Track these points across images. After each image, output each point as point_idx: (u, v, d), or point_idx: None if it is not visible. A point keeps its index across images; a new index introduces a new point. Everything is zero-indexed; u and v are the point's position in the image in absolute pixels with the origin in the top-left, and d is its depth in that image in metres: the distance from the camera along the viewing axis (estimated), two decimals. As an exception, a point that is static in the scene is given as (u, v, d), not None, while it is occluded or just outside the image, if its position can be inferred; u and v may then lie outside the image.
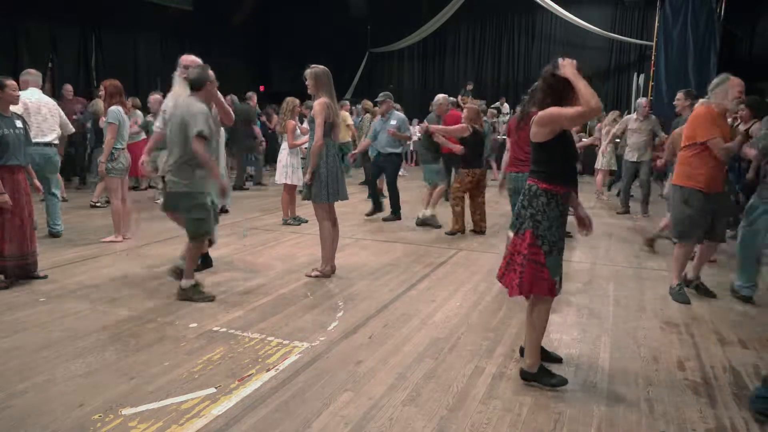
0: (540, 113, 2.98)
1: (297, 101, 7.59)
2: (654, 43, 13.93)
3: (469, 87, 16.26)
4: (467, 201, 7.03)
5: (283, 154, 7.32)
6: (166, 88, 12.81)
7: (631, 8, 16.39)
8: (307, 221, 7.40)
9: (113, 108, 6.01)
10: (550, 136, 2.97)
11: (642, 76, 14.68)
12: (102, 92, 6.32)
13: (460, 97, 13.71)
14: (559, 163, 3.03)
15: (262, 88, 19.78)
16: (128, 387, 2.99)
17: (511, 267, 3.08)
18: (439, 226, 7.33)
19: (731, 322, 4.19)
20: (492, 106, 13.93)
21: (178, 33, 16.38)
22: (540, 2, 15.86)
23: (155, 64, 16.04)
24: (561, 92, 2.95)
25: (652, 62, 13.86)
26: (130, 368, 3.21)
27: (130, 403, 2.84)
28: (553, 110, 2.93)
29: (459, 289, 4.82)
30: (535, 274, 2.98)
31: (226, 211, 8.14)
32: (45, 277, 4.76)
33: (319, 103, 4.72)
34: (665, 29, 13.51)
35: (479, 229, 7.05)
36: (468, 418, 2.77)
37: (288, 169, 7.29)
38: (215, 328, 3.82)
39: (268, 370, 3.22)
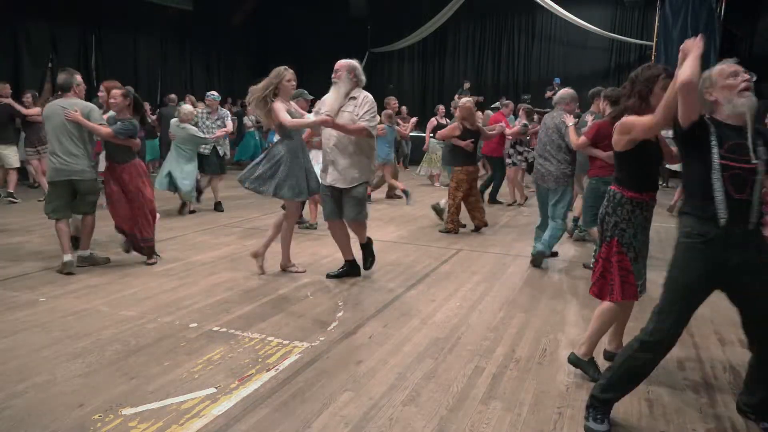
0: (619, 121, 2.96)
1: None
2: (654, 43, 13.93)
3: (467, 86, 16.26)
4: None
5: None
6: (164, 91, 12.70)
7: (631, 8, 16.39)
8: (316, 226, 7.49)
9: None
10: (630, 146, 2.94)
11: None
12: (102, 93, 6.33)
13: (457, 96, 13.72)
14: (643, 170, 3.03)
15: (262, 88, 19.76)
16: (128, 387, 2.99)
17: (603, 275, 3.09)
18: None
19: (731, 322, 4.18)
20: (492, 106, 13.94)
21: (178, 33, 16.38)
22: (540, 2, 15.85)
23: (155, 64, 16.04)
24: (641, 92, 2.94)
25: (652, 62, 13.85)
26: (130, 368, 3.21)
27: (130, 403, 2.84)
28: (629, 119, 2.91)
29: (459, 289, 4.82)
30: (624, 280, 3.02)
31: (221, 210, 8.21)
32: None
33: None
34: (665, 29, 13.52)
35: (479, 225, 7.13)
36: (468, 418, 2.77)
37: None
38: (215, 328, 3.82)
39: (268, 370, 3.22)
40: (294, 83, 4.85)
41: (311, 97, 6.28)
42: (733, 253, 2.44)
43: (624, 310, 3.24)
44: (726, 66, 2.55)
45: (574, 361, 3.24)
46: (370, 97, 4.68)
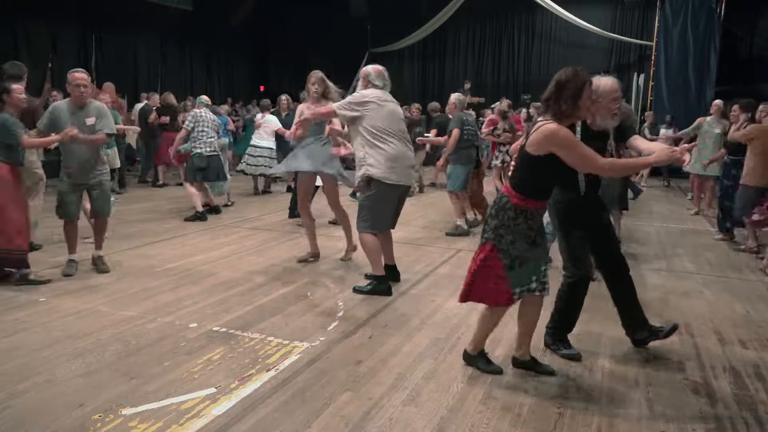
0: (555, 129, 2.82)
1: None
2: (654, 43, 13.93)
3: (467, 86, 16.27)
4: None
5: None
6: (164, 91, 12.74)
7: (631, 8, 16.40)
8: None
9: None
10: (542, 153, 2.89)
11: (642, 76, 14.68)
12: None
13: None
14: (542, 182, 2.99)
15: (262, 88, 19.82)
16: (128, 387, 2.99)
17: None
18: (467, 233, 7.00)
19: (731, 322, 4.19)
20: (491, 106, 13.93)
21: (178, 33, 16.39)
22: (540, 2, 15.86)
23: (155, 64, 16.05)
24: (573, 98, 2.85)
25: (652, 62, 13.85)
26: (130, 368, 3.21)
27: (130, 403, 2.84)
28: (571, 138, 2.83)
29: (459, 289, 4.80)
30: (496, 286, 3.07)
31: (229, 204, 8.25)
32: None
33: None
34: (665, 29, 13.52)
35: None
36: (468, 418, 2.77)
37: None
38: (215, 328, 3.82)
39: (268, 370, 3.22)
40: (316, 86, 5.13)
41: None
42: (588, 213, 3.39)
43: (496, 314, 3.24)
44: (612, 86, 3.25)
45: (465, 357, 3.33)
46: (357, 93, 4.63)
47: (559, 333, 3.54)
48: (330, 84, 5.20)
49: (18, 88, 4.71)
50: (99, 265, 5.08)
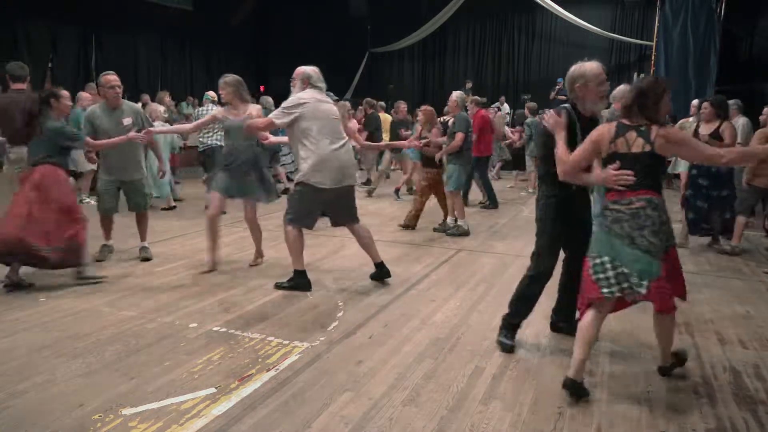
0: (673, 131, 2.99)
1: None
2: (654, 43, 13.94)
3: (469, 85, 16.26)
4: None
5: None
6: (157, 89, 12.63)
7: (631, 8, 16.41)
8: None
9: None
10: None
11: (642, 76, 14.65)
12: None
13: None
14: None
15: (262, 88, 19.82)
16: (128, 387, 3.00)
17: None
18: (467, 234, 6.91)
19: (731, 322, 4.19)
20: (492, 105, 13.93)
21: (178, 33, 16.39)
22: (540, 2, 15.87)
23: (155, 64, 16.05)
24: (656, 104, 2.99)
25: (652, 62, 13.86)
26: (130, 368, 3.21)
27: (130, 403, 2.84)
28: (686, 135, 3.08)
29: (459, 289, 4.82)
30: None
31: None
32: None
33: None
34: (665, 29, 13.53)
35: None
36: (468, 418, 2.77)
37: None
38: (215, 328, 3.82)
39: (268, 370, 3.22)
40: (224, 92, 5.06)
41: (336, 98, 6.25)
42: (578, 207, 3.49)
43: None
44: (598, 69, 3.37)
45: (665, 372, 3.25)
46: (292, 97, 4.56)
47: (509, 319, 3.63)
48: (243, 90, 5.09)
49: (67, 95, 4.88)
50: (141, 254, 5.48)
